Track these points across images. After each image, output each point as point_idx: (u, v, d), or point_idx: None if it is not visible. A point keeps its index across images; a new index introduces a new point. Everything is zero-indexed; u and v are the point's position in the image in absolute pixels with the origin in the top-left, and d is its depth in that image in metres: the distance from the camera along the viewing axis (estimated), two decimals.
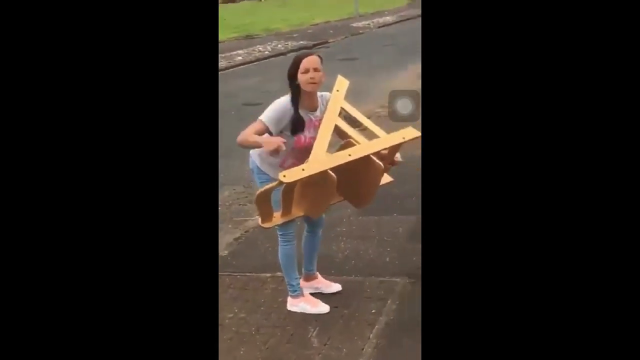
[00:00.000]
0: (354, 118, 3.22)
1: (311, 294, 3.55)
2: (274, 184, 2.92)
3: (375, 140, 3.05)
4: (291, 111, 3.12)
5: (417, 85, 9.95)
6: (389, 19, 26.22)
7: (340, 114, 3.17)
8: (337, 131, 3.13)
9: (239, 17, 31.37)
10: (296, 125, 3.13)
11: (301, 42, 19.33)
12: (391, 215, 4.69)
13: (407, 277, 3.68)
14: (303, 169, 2.77)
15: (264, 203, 3.00)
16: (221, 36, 21.42)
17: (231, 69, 14.66)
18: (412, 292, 3.51)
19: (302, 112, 3.15)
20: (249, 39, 21.32)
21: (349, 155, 2.89)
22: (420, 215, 4.52)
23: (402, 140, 3.03)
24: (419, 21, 25.08)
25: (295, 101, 3.14)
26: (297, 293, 3.45)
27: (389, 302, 3.43)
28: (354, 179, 3.03)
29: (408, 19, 25.85)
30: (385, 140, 3.05)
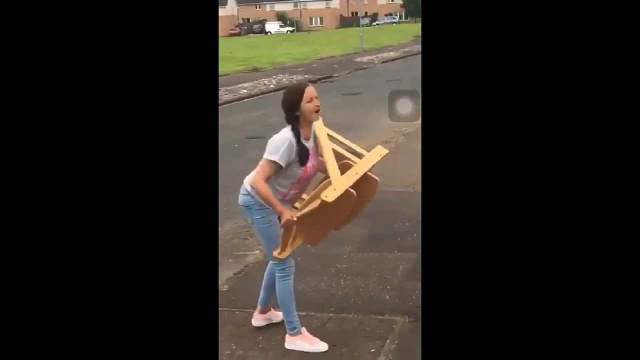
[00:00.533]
0: (348, 146, 3.40)
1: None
2: (314, 206, 2.99)
3: (365, 158, 3.27)
4: (296, 144, 3.14)
5: (419, 122, 10.02)
6: (392, 54, 26.49)
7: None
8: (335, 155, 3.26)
9: (245, 51, 31.73)
10: (303, 157, 3.17)
11: (306, 75, 19.52)
12: (392, 252, 4.67)
13: (406, 316, 3.65)
14: (335, 189, 2.96)
15: (289, 232, 3.11)
16: (227, 69, 21.64)
17: (236, 102, 14.79)
18: (411, 332, 3.47)
19: (303, 142, 3.19)
20: (254, 72, 21.52)
21: (356, 173, 3.11)
22: (420, 253, 4.53)
23: (380, 158, 3.31)
24: None
25: (297, 132, 3.17)
26: (296, 331, 3.40)
27: (388, 341, 3.39)
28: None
29: (412, 55, 26.13)
30: (370, 157, 3.30)
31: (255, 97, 15.66)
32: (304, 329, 3.44)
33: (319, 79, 18.87)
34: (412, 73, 18.94)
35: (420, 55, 23.30)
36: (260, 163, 3.14)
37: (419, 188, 6.27)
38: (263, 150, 3.17)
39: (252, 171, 3.23)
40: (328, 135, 3.30)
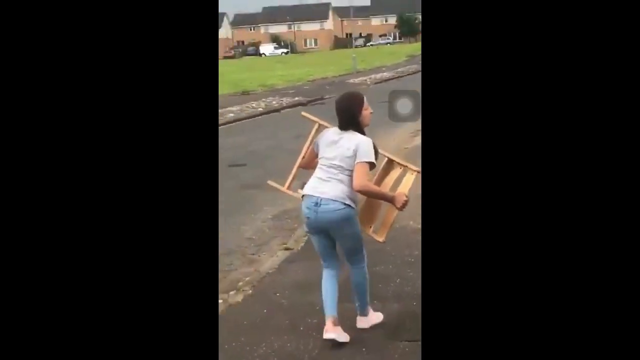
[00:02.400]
0: None
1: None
2: (410, 184, 3.52)
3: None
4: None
5: (411, 143, 9.47)
6: (386, 74, 26.15)
7: None
8: None
9: (237, 73, 31.37)
10: (377, 155, 3.42)
11: (296, 98, 19.06)
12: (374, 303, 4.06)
13: None
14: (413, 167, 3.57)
15: (396, 212, 3.57)
16: (219, 92, 21.18)
17: (221, 126, 14.25)
18: None
19: None
20: (244, 95, 21.05)
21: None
22: (405, 304, 3.90)
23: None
24: (416, 77, 25.00)
25: (363, 134, 3.42)
26: (367, 312, 3.70)
27: None
28: None
29: (405, 75, 25.75)
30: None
31: (242, 121, 15.13)
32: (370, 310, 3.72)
33: (309, 101, 18.37)
34: None
35: (414, 75, 22.84)
36: (359, 168, 3.30)
37: (409, 222, 5.68)
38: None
39: (332, 184, 3.34)
40: None
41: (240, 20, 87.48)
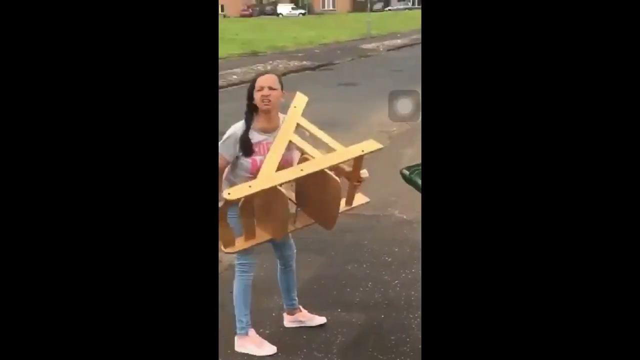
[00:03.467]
0: (314, 134, 3.06)
1: (295, 327, 3.43)
2: (221, 203, 2.68)
3: (330, 154, 2.87)
4: (241, 135, 2.98)
5: (402, 126, 8.90)
6: (400, 41, 25.28)
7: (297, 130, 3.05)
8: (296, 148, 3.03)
9: (250, 33, 30.62)
10: (246, 149, 2.97)
11: (304, 62, 18.39)
12: (334, 311, 3.55)
13: None
14: (250, 186, 2.66)
15: (221, 224, 2.73)
16: (227, 52, 20.45)
17: (222, 90, 13.68)
18: None
19: (256, 133, 3.00)
20: (252, 56, 20.41)
21: (301, 170, 2.75)
22: (367, 315, 3.40)
23: (360, 153, 2.84)
24: None
25: (248, 121, 3.03)
26: (244, 332, 3.22)
27: None
28: (316, 197, 2.91)
29: (420, 43, 24.88)
30: (341, 153, 2.86)
31: (244, 85, 14.55)
32: (251, 331, 3.26)
33: (318, 66, 17.72)
34: (418, 62, 17.76)
35: None
36: None
37: (394, 211, 5.16)
38: None
39: None
40: (300, 126, 3.04)
41: None
